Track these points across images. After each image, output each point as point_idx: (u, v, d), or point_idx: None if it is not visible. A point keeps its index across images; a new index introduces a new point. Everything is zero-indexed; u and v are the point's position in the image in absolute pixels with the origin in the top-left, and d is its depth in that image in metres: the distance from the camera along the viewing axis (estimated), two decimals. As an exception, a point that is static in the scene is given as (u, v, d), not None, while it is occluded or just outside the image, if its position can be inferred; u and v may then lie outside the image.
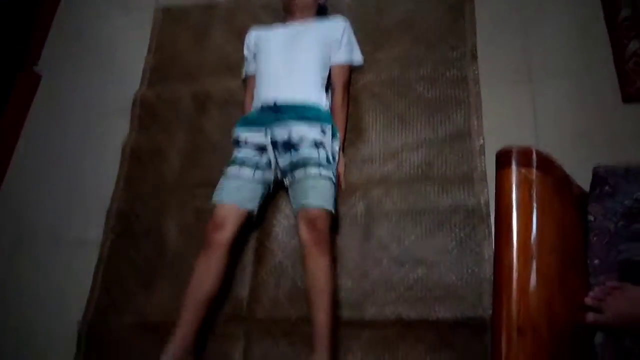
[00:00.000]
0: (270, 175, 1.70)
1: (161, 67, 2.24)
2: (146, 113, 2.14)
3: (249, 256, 1.72)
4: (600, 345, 1.01)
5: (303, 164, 1.60)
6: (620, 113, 1.64)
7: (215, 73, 2.12)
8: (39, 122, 2.33)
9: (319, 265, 1.48)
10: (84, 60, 2.42)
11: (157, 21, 2.37)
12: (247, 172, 1.67)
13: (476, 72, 1.81)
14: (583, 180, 1.18)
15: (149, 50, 2.30)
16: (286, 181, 1.67)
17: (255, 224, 1.75)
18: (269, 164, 1.69)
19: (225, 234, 1.58)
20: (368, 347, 1.49)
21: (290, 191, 1.65)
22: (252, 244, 1.74)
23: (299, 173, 1.60)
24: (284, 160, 1.66)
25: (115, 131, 2.14)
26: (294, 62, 1.78)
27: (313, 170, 1.58)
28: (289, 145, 1.65)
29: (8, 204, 2.17)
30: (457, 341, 1.43)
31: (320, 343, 1.42)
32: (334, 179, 1.62)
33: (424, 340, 1.46)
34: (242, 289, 1.67)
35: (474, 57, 1.84)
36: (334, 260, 1.56)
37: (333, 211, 1.58)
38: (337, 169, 1.71)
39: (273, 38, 1.89)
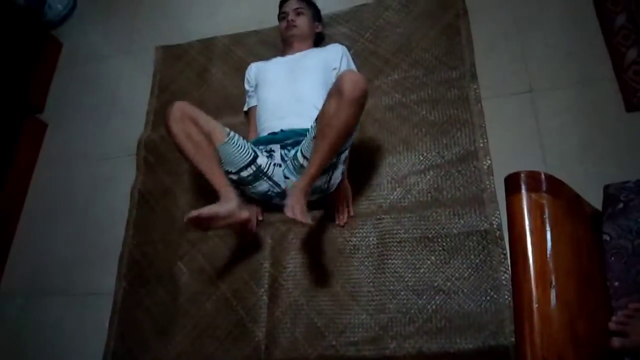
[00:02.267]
0: (261, 159, 1.68)
1: (164, 108, 2.23)
2: (152, 155, 2.15)
3: (263, 294, 1.70)
4: (629, 372, 0.97)
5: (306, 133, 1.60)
6: (625, 122, 1.61)
7: (217, 111, 2.12)
8: (47, 170, 2.37)
9: (345, 113, 1.41)
10: (88, 105, 2.46)
11: (158, 60, 2.40)
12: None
13: (477, 91, 1.80)
14: (593, 193, 1.15)
15: (152, 92, 2.33)
16: (285, 175, 1.68)
17: (268, 259, 1.74)
18: (268, 155, 1.70)
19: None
20: (390, 382, 1.45)
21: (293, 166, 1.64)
22: (266, 280, 1.72)
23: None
24: (292, 152, 1.66)
25: (122, 175, 2.17)
26: (297, 90, 1.79)
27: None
28: (297, 142, 1.66)
29: (20, 256, 2.19)
30: (481, 372, 1.39)
31: (307, 174, 1.48)
32: None
33: (447, 373, 1.42)
34: (259, 330, 1.64)
35: (474, 75, 1.83)
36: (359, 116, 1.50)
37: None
38: (344, 195, 1.71)
39: (273, 69, 1.91)
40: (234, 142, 1.65)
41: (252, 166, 1.66)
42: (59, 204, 2.24)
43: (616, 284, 1.04)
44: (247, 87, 2.01)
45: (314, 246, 1.72)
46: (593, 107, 1.68)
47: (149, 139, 2.19)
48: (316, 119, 1.54)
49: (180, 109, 1.61)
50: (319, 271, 1.67)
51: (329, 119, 1.43)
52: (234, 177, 1.67)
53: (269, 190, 1.70)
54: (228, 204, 1.56)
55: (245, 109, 2.02)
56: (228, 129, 1.68)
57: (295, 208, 1.40)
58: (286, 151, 1.69)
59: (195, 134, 1.60)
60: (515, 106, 1.76)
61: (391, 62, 1.97)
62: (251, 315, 1.67)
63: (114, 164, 2.24)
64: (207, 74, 2.26)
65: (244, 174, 1.66)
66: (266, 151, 1.71)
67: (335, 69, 1.86)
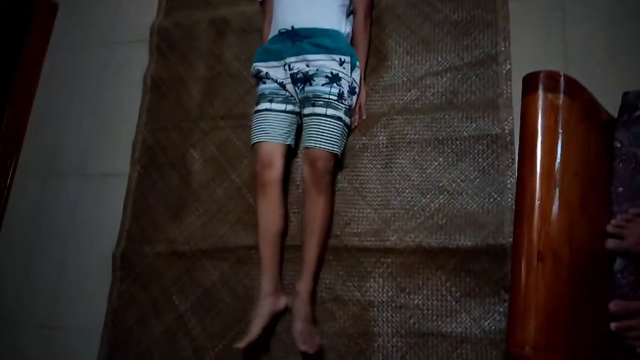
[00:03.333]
0: (298, 108, 1.69)
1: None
2: (164, 42, 2.11)
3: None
4: (619, 272, 1.02)
5: (313, 100, 1.58)
6: (655, 37, 1.54)
7: (234, -3, 2.06)
8: (59, 53, 2.34)
9: (316, 203, 1.54)
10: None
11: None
12: (279, 106, 1.66)
13: (505, -9, 1.71)
14: (612, 102, 1.14)
15: (165, -24, 2.24)
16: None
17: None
18: (294, 97, 1.68)
19: (275, 171, 1.61)
20: (389, 273, 1.53)
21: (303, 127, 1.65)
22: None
23: (307, 110, 1.60)
24: (301, 94, 1.64)
25: (135, 61, 2.14)
26: None
27: (319, 110, 1.56)
28: (307, 79, 1.62)
29: (35, 140, 2.23)
30: (477, 268, 1.45)
31: (306, 272, 1.53)
32: (344, 118, 1.59)
33: (444, 267, 1.48)
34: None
35: (504, -26, 1.73)
36: (332, 198, 1.61)
37: (338, 152, 1.57)
38: (358, 98, 1.68)
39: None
40: (293, 145, 1.70)
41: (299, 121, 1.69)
42: (72, 87, 2.24)
43: (620, 189, 1.06)
44: (263, -23, 1.92)
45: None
46: (623, 16, 1.60)
47: (162, 25, 2.14)
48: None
49: (273, 183, 1.60)
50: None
51: (311, 213, 1.54)
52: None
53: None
54: (266, 308, 1.51)
55: (261, 0, 1.95)
56: (288, 141, 1.67)
57: (304, 333, 1.43)
58: (297, 88, 1.65)
59: (275, 215, 1.60)
60: (543, 10, 1.67)
61: (417, -45, 1.86)
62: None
63: (126, 49, 2.21)
64: (223, -42, 2.16)
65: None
66: (283, 89, 1.68)
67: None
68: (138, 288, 1.79)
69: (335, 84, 1.59)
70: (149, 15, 2.19)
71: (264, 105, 1.67)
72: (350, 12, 1.75)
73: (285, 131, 1.65)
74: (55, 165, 2.14)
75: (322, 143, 1.54)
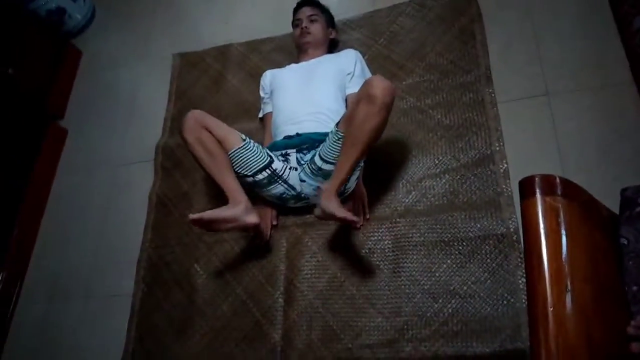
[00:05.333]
0: (276, 164, 1.71)
1: (181, 114, 2.26)
2: (169, 160, 2.18)
3: (279, 296, 1.71)
4: (648, 378, 0.96)
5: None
6: (645, 126, 1.59)
7: (233, 116, 2.16)
8: (68, 176, 2.41)
9: (371, 118, 1.42)
10: (107, 112, 2.51)
11: (175, 67, 2.44)
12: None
13: (492, 94, 1.79)
14: (611, 196, 1.14)
15: (169, 99, 2.37)
16: (302, 179, 1.70)
17: (284, 262, 1.76)
18: (283, 159, 1.72)
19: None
20: (406, 386, 1.45)
21: (313, 169, 1.66)
22: (281, 283, 1.73)
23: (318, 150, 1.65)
24: (309, 156, 1.69)
25: (140, 180, 2.20)
26: (311, 96, 1.81)
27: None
28: (313, 146, 1.69)
29: (41, 261, 2.23)
30: (498, 376, 1.38)
31: (335, 177, 1.50)
32: None
33: (463, 377, 1.41)
34: (275, 332, 1.66)
35: (489, 78, 1.82)
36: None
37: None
38: (359, 199, 1.71)
39: (288, 75, 1.93)
40: (249, 147, 1.68)
41: (268, 170, 1.68)
42: (79, 209, 2.28)
43: (634, 288, 1.03)
44: (262, 94, 2.03)
45: (329, 250, 1.73)
46: (611, 111, 1.66)
47: (166, 144, 2.23)
48: (337, 123, 1.55)
49: (194, 118, 1.65)
50: (334, 274, 1.68)
51: (360, 124, 1.43)
52: (250, 179, 1.69)
53: (284, 193, 1.72)
54: (234, 209, 1.61)
55: (261, 115, 2.05)
56: (244, 135, 1.70)
57: (330, 206, 1.44)
58: (302, 155, 1.71)
59: (209, 141, 1.64)
60: (532, 109, 1.75)
61: (405, 67, 1.98)
62: (267, 317, 1.69)
63: (132, 169, 2.28)
64: (223, 80, 2.29)
65: (259, 177, 1.68)
66: (282, 155, 1.73)
67: (349, 73, 1.87)
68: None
69: None
70: (153, 137, 2.28)
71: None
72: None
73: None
74: (59, 289, 2.12)
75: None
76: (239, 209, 1.61)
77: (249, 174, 1.68)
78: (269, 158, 1.70)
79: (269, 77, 2.02)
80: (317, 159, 1.62)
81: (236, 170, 1.68)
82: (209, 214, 1.57)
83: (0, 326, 2.09)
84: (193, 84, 2.35)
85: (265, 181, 1.69)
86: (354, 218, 1.41)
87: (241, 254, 1.84)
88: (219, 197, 1.95)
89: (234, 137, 1.68)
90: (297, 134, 1.73)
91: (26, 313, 2.13)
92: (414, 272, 1.60)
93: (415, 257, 1.62)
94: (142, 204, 2.12)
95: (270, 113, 1.94)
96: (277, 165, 1.70)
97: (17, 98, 2.34)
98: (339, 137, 1.54)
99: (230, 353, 1.68)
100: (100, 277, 2.06)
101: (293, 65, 2.00)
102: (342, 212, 1.42)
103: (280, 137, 1.78)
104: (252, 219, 1.64)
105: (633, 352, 0.98)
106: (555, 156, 1.64)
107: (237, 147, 1.66)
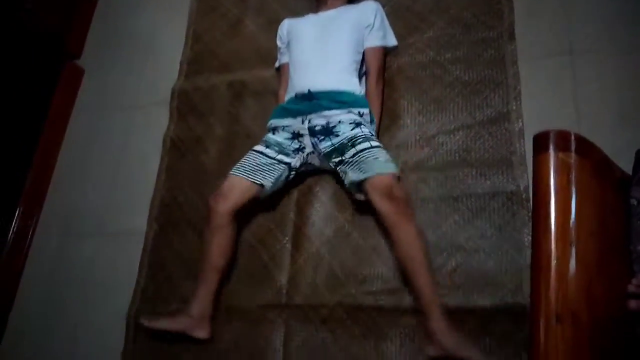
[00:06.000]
0: (295, 162, 1.71)
1: (197, 58, 2.28)
2: (184, 105, 2.19)
3: (287, 242, 1.75)
4: (644, 334, 0.98)
5: (351, 143, 1.60)
6: (668, 91, 1.56)
7: (250, 63, 2.15)
8: (83, 116, 2.43)
9: (408, 234, 1.43)
10: (124, 53, 2.50)
11: (192, 10, 2.41)
12: (270, 152, 1.70)
13: (514, 52, 1.75)
14: (626, 162, 1.13)
15: (186, 42, 2.35)
16: (331, 164, 1.66)
17: (293, 209, 1.78)
18: (297, 150, 1.71)
19: (228, 203, 1.62)
20: (406, 334, 1.50)
21: (343, 169, 1.61)
22: (290, 229, 1.77)
23: (349, 152, 1.59)
24: (325, 146, 1.66)
25: (156, 123, 2.21)
26: (326, 49, 1.78)
27: (364, 145, 1.58)
28: (328, 131, 1.65)
29: (56, 198, 2.28)
30: (497, 329, 1.41)
31: (430, 310, 1.39)
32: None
33: (462, 328, 1.44)
34: (281, 276, 1.70)
35: (512, 36, 1.78)
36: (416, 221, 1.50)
37: (398, 173, 1.55)
38: None
39: (305, 27, 1.90)
40: (270, 184, 1.68)
41: (292, 172, 1.73)
42: (94, 148, 2.31)
43: (639, 247, 1.04)
44: (279, 43, 2.00)
45: (338, 200, 1.75)
46: (635, 74, 1.62)
47: (182, 88, 2.22)
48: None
49: (226, 213, 1.62)
50: (342, 225, 1.70)
51: (404, 248, 1.44)
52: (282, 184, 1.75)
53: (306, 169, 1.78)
54: (183, 321, 1.62)
55: (277, 65, 2.03)
56: (255, 176, 1.66)
57: (449, 343, 1.34)
58: (316, 140, 1.68)
59: (226, 243, 1.64)
60: (553, 69, 1.71)
61: (427, 19, 1.93)
62: (274, 261, 1.73)
63: (147, 112, 2.29)
64: (241, 25, 2.26)
65: (289, 179, 1.75)
66: (294, 140, 1.71)
67: (368, 26, 1.83)
68: (152, 349, 1.76)
69: (361, 127, 1.63)
70: (169, 79, 2.27)
71: (259, 147, 1.72)
72: (364, 74, 1.80)
73: (263, 172, 1.67)
74: (73, 225, 2.18)
75: (387, 169, 1.51)
76: (187, 322, 1.61)
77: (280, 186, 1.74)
78: (286, 166, 1.70)
79: (286, 26, 1.98)
80: (350, 173, 1.58)
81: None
82: (158, 325, 1.63)
83: (17, 260, 2.16)
84: (210, 28, 2.33)
85: (294, 176, 1.75)
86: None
87: (252, 201, 1.86)
88: (232, 145, 1.99)
89: (255, 190, 1.67)
90: (309, 91, 1.71)
91: (42, 248, 2.19)
92: (421, 226, 1.61)
93: (423, 211, 1.63)
94: (156, 145, 2.14)
95: (287, 64, 1.92)
96: (296, 163, 1.71)
97: (34, 35, 2.34)
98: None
99: (238, 292, 1.73)
100: (115, 215, 2.11)
101: (311, 15, 1.96)
102: (466, 351, 1.32)
103: (292, 94, 1.77)
104: (200, 333, 1.63)
105: (630, 308, 1.00)
106: (573, 118, 1.62)
107: (261, 195, 1.70)
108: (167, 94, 2.23)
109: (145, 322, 1.60)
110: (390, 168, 1.52)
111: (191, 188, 1.99)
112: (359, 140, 1.59)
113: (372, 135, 1.64)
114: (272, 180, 1.67)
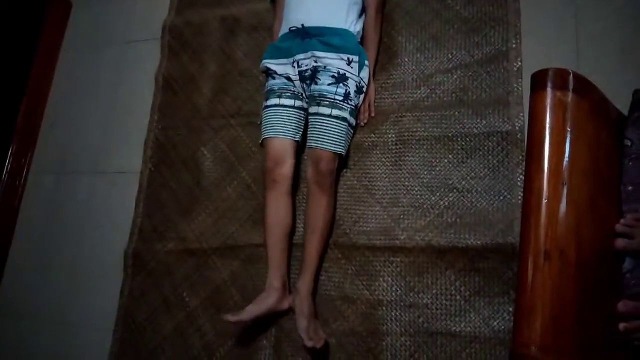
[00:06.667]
0: (305, 104, 1.69)
1: (189, -8, 2.20)
2: (176, 40, 2.13)
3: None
4: (628, 272, 1.01)
5: (318, 100, 1.58)
6: (673, 31, 1.51)
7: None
8: (73, 52, 2.38)
9: (319, 204, 1.54)
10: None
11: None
12: (288, 102, 1.67)
13: (516, -14, 1.69)
14: (623, 103, 1.12)
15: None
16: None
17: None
18: (300, 94, 1.68)
19: (286, 168, 1.61)
20: (398, 272, 1.53)
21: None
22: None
23: (312, 109, 1.60)
24: (308, 91, 1.65)
25: (147, 59, 2.16)
26: None
27: (324, 110, 1.57)
28: (313, 76, 1.62)
29: (49, 137, 2.26)
30: (487, 267, 1.44)
31: (307, 271, 1.53)
32: (349, 119, 1.59)
33: (453, 266, 1.48)
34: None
35: (515, -31, 1.71)
36: (335, 198, 1.62)
37: (342, 152, 1.58)
38: (367, 96, 1.68)
39: (302, -43, 1.81)
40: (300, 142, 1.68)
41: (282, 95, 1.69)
42: (85, 86, 2.27)
43: (630, 188, 1.05)
44: (273, -26, 1.92)
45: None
46: (637, 16, 1.57)
47: (173, 24, 2.16)
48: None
49: (286, 180, 1.61)
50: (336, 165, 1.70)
51: (313, 213, 1.55)
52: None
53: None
54: (268, 300, 1.52)
55: (271, -1, 1.96)
56: (294, 137, 1.66)
57: (309, 333, 1.41)
58: (305, 85, 1.65)
59: (284, 207, 1.61)
60: (555, 6, 1.65)
61: (428, -49, 1.85)
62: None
63: (138, 48, 2.23)
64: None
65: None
66: (291, 84, 1.68)
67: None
68: (149, 285, 1.81)
69: (341, 84, 1.58)
70: (161, 14, 2.20)
71: (274, 100, 1.67)
72: (362, 11, 1.74)
73: (294, 127, 1.66)
74: (68, 163, 2.18)
75: (326, 143, 1.54)
76: (273, 299, 1.53)
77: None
78: (304, 113, 1.67)
79: (282, -44, 1.89)
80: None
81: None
82: (247, 315, 1.48)
83: (12, 199, 2.17)
84: (202, -41, 2.23)
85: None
86: (316, 345, 1.39)
87: (247, 140, 1.86)
88: (226, 81, 1.95)
89: (294, 146, 1.67)
90: (303, 26, 1.66)
91: (36, 186, 2.20)
92: (415, 166, 1.61)
93: (417, 151, 1.63)
94: (149, 83, 2.10)
95: None
96: (288, 102, 1.67)
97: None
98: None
99: (234, 232, 1.76)
100: (109, 153, 2.10)
101: (309, -55, 1.87)
102: (308, 340, 1.38)
103: (285, 29, 1.71)
104: (285, 305, 1.56)
105: (617, 247, 1.02)
106: (573, 57, 1.58)
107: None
108: (159, 29, 2.17)
109: (231, 318, 1.46)
110: (331, 148, 1.54)
111: (185, 127, 1.97)
112: (324, 103, 1.57)
113: (349, 99, 1.59)
114: (301, 132, 1.68)
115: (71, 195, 2.12)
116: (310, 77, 1.63)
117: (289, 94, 1.67)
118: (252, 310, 1.49)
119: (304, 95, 1.68)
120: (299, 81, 1.66)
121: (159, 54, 2.13)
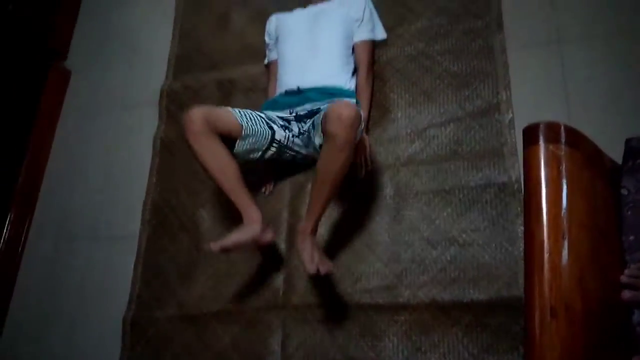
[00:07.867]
0: (279, 134, 1.66)
1: (185, 56, 2.26)
2: (173, 104, 2.17)
3: (281, 242, 1.74)
4: (638, 324, 0.98)
5: (314, 124, 1.58)
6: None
7: (238, 60, 2.13)
8: (72, 118, 2.41)
9: (337, 159, 1.38)
10: (110, 52, 2.48)
11: (179, 5, 2.39)
12: (261, 113, 1.68)
13: (503, 42, 1.74)
14: (617, 151, 1.13)
15: (173, 39, 2.32)
16: (313, 137, 1.59)
17: (287, 209, 1.77)
18: (284, 127, 1.69)
19: (201, 112, 1.52)
20: (403, 332, 1.49)
21: (315, 128, 1.56)
22: (284, 229, 1.76)
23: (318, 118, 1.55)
24: (306, 125, 1.66)
25: (145, 123, 2.19)
26: (316, 45, 1.76)
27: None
28: (312, 114, 1.66)
29: (48, 204, 2.26)
30: (494, 323, 1.41)
31: (311, 217, 1.46)
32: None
33: (459, 323, 1.44)
34: (277, 276, 1.69)
35: (500, 25, 1.77)
36: (352, 158, 1.44)
37: (361, 112, 1.44)
38: (362, 149, 1.69)
39: (293, 22, 1.87)
40: (250, 132, 1.60)
41: (274, 145, 1.66)
42: (84, 151, 2.29)
43: (631, 238, 1.04)
44: (267, 39, 1.98)
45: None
46: (623, 60, 1.61)
47: (171, 88, 2.20)
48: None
49: (199, 120, 1.51)
50: (335, 222, 1.69)
51: (326, 165, 1.41)
52: (260, 158, 1.67)
53: (294, 158, 1.73)
54: (251, 229, 1.52)
55: (266, 62, 2.01)
56: (239, 114, 1.61)
57: (314, 259, 1.40)
58: (302, 124, 1.69)
59: (218, 151, 1.54)
60: (542, 57, 1.70)
61: (415, 9, 1.92)
62: (270, 262, 1.72)
63: (136, 112, 2.27)
64: (228, 19, 2.24)
65: (268, 154, 1.67)
66: (283, 120, 1.71)
67: (357, 20, 1.81)
68: (149, 354, 1.76)
69: None
70: (158, 79, 2.25)
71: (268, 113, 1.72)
72: (354, 70, 1.79)
73: (248, 120, 1.60)
74: (66, 229, 2.16)
75: (346, 104, 1.39)
76: (255, 229, 1.52)
77: (257, 156, 1.66)
78: (270, 131, 1.65)
79: (274, 22, 1.96)
80: (314, 135, 1.55)
81: (246, 157, 1.65)
82: (229, 242, 1.46)
83: (11, 266, 2.15)
84: (197, 24, 2.31)
85: (275, 155, 1.69)
86: (323, 271, 1.39)
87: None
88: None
89: (237, 125, 1.58)
90: (298, 88, 1.70)
91: (34, 254, 2.18)
92: (414, 220, 1.61)
93: (415, 205, 1.63)
94: (147, 147, 2.13)
95: (276, 61, 1.90)
96: (280, 135, 1.66)
97: (18, 36, 2.31)
98: None
99: (235, 296, 1.72)
100: (107, 218, 2.10)
101: (299, 10, 1.94)
102: (311, 265, 1.38)
103: (282, 90, 1.76)
104: (268, 236, 1.57)
105: (624, 299, 0.99)
106: (563, 106, 1.61)
107: (238, 141, 1.60)
108: (156, 94, 2.21)
109: (214, 247, 1.43)
110: (354, 107, 1.40)
111: (183, 190, 1.98)
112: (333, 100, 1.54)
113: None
114: (253, 129, 1.60)
115: (69, 261, 2.09)
116: (307, 115, 1.67)
117: (266, 117, 1.68)
118: (234, 237, 1.47)
119: (296, 133, 1.69)
120: (295, 122, 1.70)
121: (157, 118, 2.17)
